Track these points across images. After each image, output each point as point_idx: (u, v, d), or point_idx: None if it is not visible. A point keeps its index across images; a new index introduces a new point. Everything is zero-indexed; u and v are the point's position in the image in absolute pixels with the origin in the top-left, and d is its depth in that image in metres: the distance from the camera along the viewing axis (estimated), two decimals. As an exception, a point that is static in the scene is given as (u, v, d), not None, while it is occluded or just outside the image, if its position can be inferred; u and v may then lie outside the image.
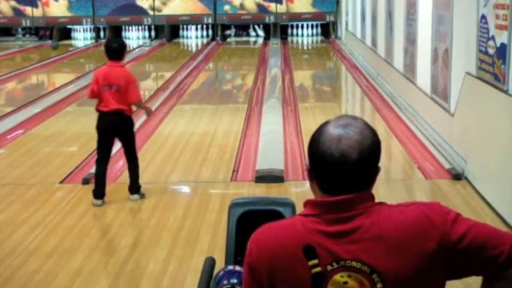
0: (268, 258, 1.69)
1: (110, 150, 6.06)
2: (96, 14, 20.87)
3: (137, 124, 9.06)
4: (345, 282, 1.62)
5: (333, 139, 1.66)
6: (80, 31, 21.64)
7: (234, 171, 7.03)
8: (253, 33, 21.41)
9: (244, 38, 21.09)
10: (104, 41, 20.73)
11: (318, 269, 1.63)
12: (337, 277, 1.63)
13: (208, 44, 20.06)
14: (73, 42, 21.19)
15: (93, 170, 6.31)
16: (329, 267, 1.63)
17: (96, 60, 16.37)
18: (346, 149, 1.65)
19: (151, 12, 20.81)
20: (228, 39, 20.84)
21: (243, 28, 21.38)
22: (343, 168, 1.65)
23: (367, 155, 1.67)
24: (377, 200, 1.72)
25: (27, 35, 21.64)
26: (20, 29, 21.64)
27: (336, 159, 1.65)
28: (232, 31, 21.23)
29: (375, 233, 1.63)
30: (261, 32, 21.03)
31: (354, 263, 1.62)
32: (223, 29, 21.01)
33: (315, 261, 1.63)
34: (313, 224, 1.66)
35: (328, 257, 1.63)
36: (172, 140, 8.51)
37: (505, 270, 1.68)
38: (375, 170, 1.72)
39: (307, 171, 1.75)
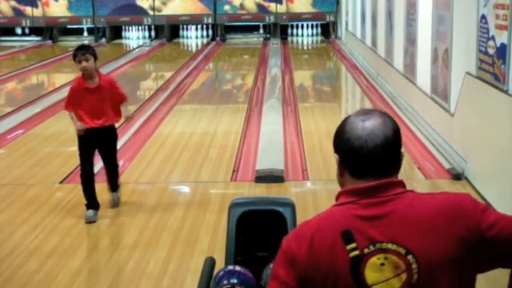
0: (310, 246, 1.74)
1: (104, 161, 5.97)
2: (96, 14, 20.86)
3: (137, 124, 9.08)
4: (382, 264, 1.69)
5: (358, 126, 1.78)
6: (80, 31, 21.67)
7: (234, 171, 7.04)
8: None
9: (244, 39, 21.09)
10: (103, 41, 20.76)
11: (356, 252, 1.69)
12: (374, 259, 1.69)
13: (208, 44, 20.05)
14: (74, 42, 21.18)
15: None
16: (366, 250, 1.70)
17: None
18: (372, 131, 1.76)
19: (151, 12, 20.81)
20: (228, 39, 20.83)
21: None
22: (372, 149, 1.76)
23: (392, 136, 1.78)
24: None
25: (27, 31, 21.56)
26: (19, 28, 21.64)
27: (365, 141, 1.76)
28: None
29: (408, 216, 1.71)
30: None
31: (389, 245, 1.69)
32: (226, 29, 21.00)
33: (353, 245, 1.69)
34: (349, 210, 1.75)
35: (365, 240, 1.70)
36: (172, 140, 8.51)
37: None
38: (400, 154, 1.82)
39: (338, 165, 1.84)
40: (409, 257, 1.69)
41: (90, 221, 5.60)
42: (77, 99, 5.63)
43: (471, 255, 1.73)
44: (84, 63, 5.52)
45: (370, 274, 1.69)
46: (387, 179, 1.77)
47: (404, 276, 1.69)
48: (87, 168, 5.71)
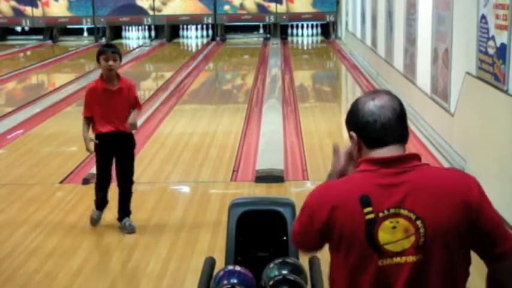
0: (331, 205, 1.98)
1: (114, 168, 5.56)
2: (96, 14, 20.87)
3: (137, 124, 9.07)
4: (394, 227, 1.93)
5: (369, 104, 2.04)
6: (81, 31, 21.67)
7: (234, 171, 7.04)
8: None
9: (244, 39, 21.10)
10: (103, 41, 20.75)
11: (372, 215, 1.93)
12: (387, 223, 1.93)
13: (208, 44, 20.05)
14: (74, 42, 21.18)
15: (93, 170, 6.29)
16: (381, 214, 1.94)
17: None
18: (383, 106, 2.03)
19: (151, 12, 20.81)
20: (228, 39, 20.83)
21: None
22: (386, 121, 2.01)
23: (399, 109, 2.05)
24: None
25: (26, 28, 21.54)
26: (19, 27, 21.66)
27: (379, 116, 2.02)
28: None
29: (421, 186, 1.96)
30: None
31: (402, 211, 1.93)
32: (226, 29, 21.01)
33: (369, 209, 1.93)
34: (369, 178, 1.98)
35: (381, 205, 1.94)
36: (172, 140, 8.51)
37: (494, 261, 2.02)
38: (407, 124, 2.08)
39: (354, 143, 2.08)
40: (418, 222, 1.92)
41: (95, 224, 5.49)
42: (94, 101, 5.24)
43: (466, 227, 1.96)
44: (111, 62, 5.15)
45: (383, 235, 1.93)
46: (405, 154, 2.03)
47: (412, 238, 1.93)
48: (102, 177, 5.43)
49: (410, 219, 1.93)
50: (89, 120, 5.30)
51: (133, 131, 5.46)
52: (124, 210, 5.46)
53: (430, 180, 1.98)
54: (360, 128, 2.04)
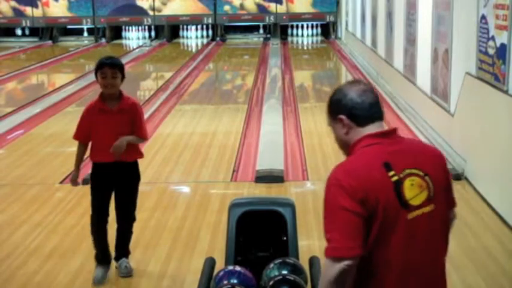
0: (359, 178, 2.19)
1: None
2: (96, 14, 20.87)
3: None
4: (411, 184, 2.24)
5: (353, 89, 2.32)
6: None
7: (234, 171, 7.04)
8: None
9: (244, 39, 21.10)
10: (103, 41, 20.76)
11: (396, 177, 2.22)
12: (407, 181, 2.24)
13: (208, 44, 20.05)
14: (74, 42, 21.18)
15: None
16: (401, 175, 2.23)
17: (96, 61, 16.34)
18: (364, 90, 2.33)
19: (151, 13, 20.82)
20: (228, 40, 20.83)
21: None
22: (371, 101, 2.30)
23: (376, 93, 2.36)
24: None
25: (27, 31, 21.54)
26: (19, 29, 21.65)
27: (366, 97, 2.30)
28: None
29: (416, 150, 2.32)
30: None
31: (413, 170, 2.25)
32: (226, 29, 21.03)
33: (393, 172, 2.22)
34: (380, 148, 2.27)
35: (397, 168, 2.23)
36: (172, 140, 8.51)
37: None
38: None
39: (342, 125, 2.31)
40: (427, 178, 2.26)
41: (98, 283, 4.53)
42: (91, 124, 4.45)
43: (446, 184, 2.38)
44: (110, 80, 4.34)
45: (407, 192, 2.23)
46: (394, 127, 2.34)
47: (425, 192, 2.26)
48: (98, 211, 4.62)
49: (420, 176, 2.25)
50: (83, 145, 4.56)
51: (121, 156, 4.54)
52: (121, 250, 4.71)
53: (419, 147, 2.38)
54: (350, 109, 2.30)
